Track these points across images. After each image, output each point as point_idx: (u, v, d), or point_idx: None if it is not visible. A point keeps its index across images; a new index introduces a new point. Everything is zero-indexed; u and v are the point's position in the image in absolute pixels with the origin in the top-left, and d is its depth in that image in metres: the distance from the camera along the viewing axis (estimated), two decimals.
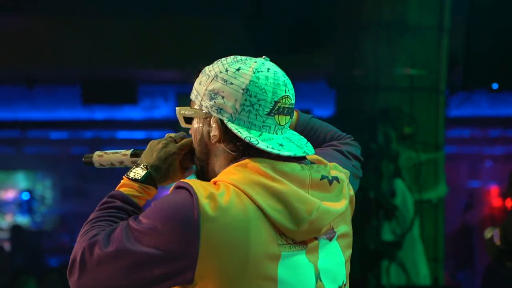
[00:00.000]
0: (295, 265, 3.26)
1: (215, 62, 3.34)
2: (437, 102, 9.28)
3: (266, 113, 3.26)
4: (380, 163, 8.36)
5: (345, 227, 3.43)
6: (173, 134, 3.55)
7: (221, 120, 3.24)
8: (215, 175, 3.31)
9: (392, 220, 8.35)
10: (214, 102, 3.27)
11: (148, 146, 3.52)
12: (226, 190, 3.14)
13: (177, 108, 3.42)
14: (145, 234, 3.11)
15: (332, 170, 3.34)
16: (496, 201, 19.93)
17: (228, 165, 3.27)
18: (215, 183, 3.23)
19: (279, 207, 3.18)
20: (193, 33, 12.61)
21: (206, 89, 3.29)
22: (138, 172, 3.41)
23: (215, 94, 3.27)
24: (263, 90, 3.26)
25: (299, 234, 3.21)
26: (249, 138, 3.21)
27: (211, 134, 3.25)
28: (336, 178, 3.32)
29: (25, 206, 23.02)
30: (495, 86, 10.43)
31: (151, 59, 13.28)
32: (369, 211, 8.26)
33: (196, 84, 3.35)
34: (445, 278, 9.52)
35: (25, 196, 23.07)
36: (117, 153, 3.67)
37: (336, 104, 9.50)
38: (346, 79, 9.37)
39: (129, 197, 3.37)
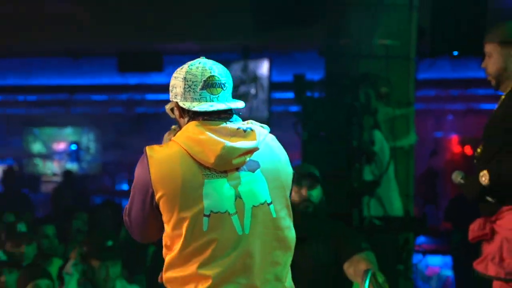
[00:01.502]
0: (217, 187, 4.23)
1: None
2: (408, 67, 9.27)
3: (199, 88, 4.29)
4: (362, 118, 8.34)
5: (271, 164, 4.38)
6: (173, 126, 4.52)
7: (176, 102, 4.31)
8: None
9: (372, 164, 8.33)
10: (172, 92, 4.32)
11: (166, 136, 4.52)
12: (171, 144, 4.29)
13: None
14: (132, 188, 4.31)
15: (248, 124, 4.33)
16: (456, 148, 19.99)
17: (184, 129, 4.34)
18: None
19: (200, 149, 4.19)
20: (206, 9, 12.57)
21: (170, 87, 4.35)
22: None
23: (172, 87, 4.33)
24: (194, 75, 4.29)
25: (216, 165, 4.19)
26: (187, 106, 4.24)
27: (175, 112, 4.34)
28: (250, 128, 4.27)
29: (74, 156, 23.13)
30: (455, 53, 10.43)
31: (173, 34, 13.29)
32: (353, 157, 8.26)
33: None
34: (414, 211, 9.48)
35: (73, 147, 23.15)
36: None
37: (326, 69, 9.47)
38: (334, 48, 9.33)
39: None
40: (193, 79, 4.26)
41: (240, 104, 4.38)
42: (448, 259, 13.85)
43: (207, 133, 4.19)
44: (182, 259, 4.18)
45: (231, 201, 4.27)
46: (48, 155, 23.53)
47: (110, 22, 13.12)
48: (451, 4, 9.85)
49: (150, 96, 18.24)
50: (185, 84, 4.25)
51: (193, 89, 4.26)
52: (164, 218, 4.19)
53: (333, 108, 8.53)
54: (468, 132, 20.04)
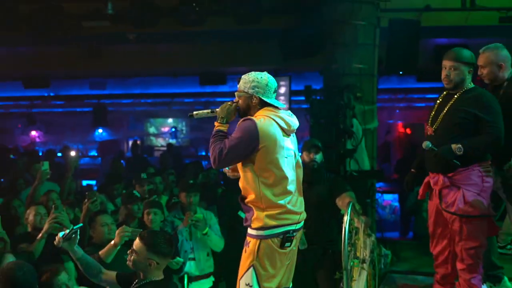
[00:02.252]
0: (288, 143, 4.69)
1: (248, 74, 4.65)
2: (373, 81, 9.23)
3: (272, 92, 4.67)
4: (345, 111, 8.36)
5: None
6: (230, 102, 4.71)
7: (259, 96, 4.61)
8: (252, 114, 4.61)
9: (351, 139, 8.36)
10: (256, 89, 4.60)
11: (221, 109, 4.67)
12: (263, 117, 4.55)
13: (236, 93, 4.70)
14: (237, 138, 4.47)
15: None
16: (401, 130, 19.81)
17: (258, 111, 4.62)
18: (257, 116, 4.57)
19: (282, 121, 4.62)
20: (251, 46, 12.62)
21: (250, 85, 4.61)
22: (222, 121, 4.63)
23: (255, 87, 4.61)
24: (272, 83, 4.67)
25: (288, 131, 4.68)
26: (269, 101, 4.62)
27: (253, 102, 4.63)
28: (292, 114, 4.77)
29: (173, 135, 22.89)
30: (400, 72, 10.47)
31: (232, 61, 13.36)
32: (340, 134, 8.30)
33: (242, 83, 4.64)
34: (376, 167, 9.44)
35: (173, 130, 23.00)
36: (204, 111, 4.81)
37: (324, 82, 9.46)
38: (328, 70, 9.32)
39: (224, 131, 4.63)
40: (272, 86, 4.66)
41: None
42: (396, 196, 13.90)
43: (281, 114, 4.65)
44: (275, 183, 4.59)
45: (291, 152, 4.72)
46: (158, 134, 23.36)
47: (194, 54, 13.21)
48: (397, 44, 9.86)
49: (218, 99, 18.16)
50: (267, 87, 4.62)
51: (270, 91, 4.65)
52: (260, 158, 4.51)
53: (328, 105, 8.55)
54: (407, 120, 19.97)
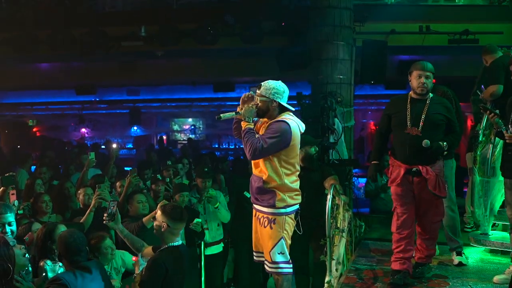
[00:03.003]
0: None
1: (267, 82, 4.56)
2: (350, 88, 9.15)
3: (287, 98, 4.63)
4: (329, 112, 8.30)
5: None
6: (251, 104, 4.53)
7: (277, 101, 4.54)
8: (272, 117, 4.57)
9: (334, 134, 8.31)
10: (276, 95, 4.54)
11: (245, 110, 4.50)
12: (290, 120, 4.51)
13: (258, 98, 4.54)
14: (276, 135, 4.44)
15: None
16: (372, 128, 19.81)
17: (278, 114, 4.57)
18: (283, 118, 4.52)
19: (299, 124, 4.62)
20: (252, 61, 12.57)
21: (271, 92, 4.52)
22: (249, 120, 4.51)
23: (275, 93, 4.54)
24: (287, 91, 4.63)
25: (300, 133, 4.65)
26: (288, 107, 4.60)
27: (273, 105, 4.55)
28: None
29: (192, 131, 22.92)
30: (372, 82, 10.42)
31: (239, 73, 13.23)
32: (325, 131, 8.23)
33: (263, 89, 4.53)
34: (353, 156, 9.36)
35: (192, 127, 23.01)
36: (230, 113, 4.61)
37: (312, 89, 9.37)
38: (315, 80, 9.23)
39: (253, 128, 4.56)
40: (287, 93, 4.60)
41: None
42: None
43: (296, 119, 4.63)
44: (293, 173, 4.63)
45: None
46: (180, 131, 23.36)
47: (209, 67, 13.17)
48: (369, 59, 9.82)
49: (228, 103, 18.11)
50: (284, 93, 4.57)
51: (286, 97, 4.60)
52: (287, 153, 4.51)
53: (315, 108, 8.49)
54: (378, 120, 19.98)
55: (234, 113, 4.57)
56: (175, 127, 23.44)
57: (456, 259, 5.96)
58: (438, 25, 10.39)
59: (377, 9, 10.52)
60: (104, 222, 4.78)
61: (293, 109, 4.67)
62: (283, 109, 4.60)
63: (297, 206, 4.73)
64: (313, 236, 6.70)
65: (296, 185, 4.70)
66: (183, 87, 16.05)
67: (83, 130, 21.95)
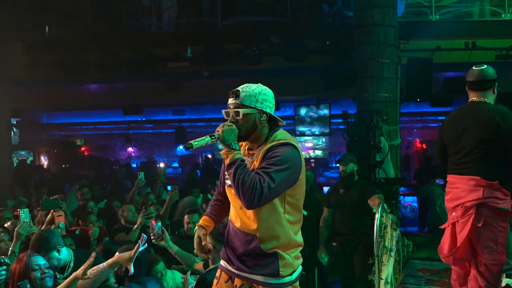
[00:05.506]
0: None
1: (247, 86, 3.31)
2: (396, 106, 9.08)
3: (274, 107, 3.37)
4: (375, 131, 8.24)
5: None
6: (228, 123, 3.24)
7: (268, 112, 3.27)
8: (261, 137, 3.30)
9: (380, 152, 8.26)
10: (264, 104, 3.26)
11: (224, 131, 3.18)
12: (295, 143, 3.26)
13: (240, 110, 3.22)
14: (286, 167, 3.11)
15: None
16: (418, 145, 19.62)
17: (269, 132, 3.31)
18: (281, 139, 3.24)
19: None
20: (297, 78, 12.60)
21: (257, 99, 3.24)
22: (236, 146, 3.20)
23: (264, 100, 3.26)
24: (274, 97, 3.37)
25: None
26: (278, 118, 3.36)
27: (262, 119, 3.25)
28: None
29: None
30: (418, 99, 10.32)
31: (282, 91, 13.24)
32: (371, 149, 8.18)
33: (246, 97, 3.24)
34: (399, 175, 9.26)
35: None
36: (203, 138, 3.23)
37: (357, 108, 9.32)
38: (360, 98, 9.20)
39: (243, 157, 3.20)
40: (274, 100, 3.40)
41: None
42: (415, 198, 13.63)
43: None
44: (298, 220, 3.34)
45: None
46: None
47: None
48: (414, 77, 9.73)
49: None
50: (273, 102, 3.37)
51: (274, 106, 3.40)
52: (294, 192, 3.25)
53: (361, 126, 8.45)
54: (423, 137, 19.74)
55: (209, 137, 3.26)
56: (220, 146, 23.36)
57: (505, 281, 5.81)
58: (484, 41, 10.24)
59: (422, 26, 10.46)
60: (152, 241, 4.81)
61: (284, 123, 3.45)
62: (272, 125, 3.38)
63: (301, 267, 3.45)
64: (356, 253, 6.72)
65: (301, 236, 3.45)
66: (226, 106, 16.05)
67: (130, 149, 22.23)
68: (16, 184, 11.26)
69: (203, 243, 3.46)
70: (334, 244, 7.08)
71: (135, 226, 6.09)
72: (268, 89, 3.36)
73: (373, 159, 8.14)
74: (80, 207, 7.83)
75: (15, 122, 13.49)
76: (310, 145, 20.84)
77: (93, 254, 3.77)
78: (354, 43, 9.36)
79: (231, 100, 3.31)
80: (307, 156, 20.78)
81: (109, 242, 5.41)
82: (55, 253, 4.43)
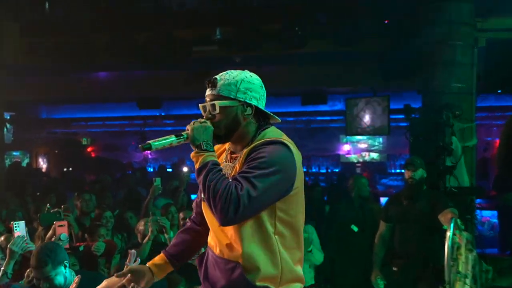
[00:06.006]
0: None
1: (227, 73, 3.17)
2: (471, 99, 9.02)
3: (264, 99, 3.22)
4: (444, 129, 8.20)
5: None
6: (202, 119, 3.12)
7: (254, 104, 3.11)
8: (245, 137, 3.15)
9: (451, 156, 8.20)
10: (247, 94, 3.10)
11: (193, 129, 3.05)
12: (288, 141, 3.06)
13: (216, 102, 3.09)
14: (272, 170, 2.89)
15: None
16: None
17: (257, 129, 3.16)
18: (272, 138, 3.08)
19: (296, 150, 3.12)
20: (352, 68, 12.58)
21: (238, 88, 3.09)
22: (208, 146, 3.03)
23: (247, 90, 3.10)
24: (263, 87, 3.21)
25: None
26: (268, 111, 3.22)
27: (246, 113, 3.11)
28: None
29: None
30: (499, 91, 10.21)
31: (334, 81, 13.26)
32: (440, 152, 8.14)
33: (224, 86, 3.09)
34: (475, 183, 9.17)
35: None
36: (166, 138, 3.15)
37: (422, 101, 9.29)
38: (426, 89, 9.17)
39: (217, 161, 3.03)
40: (264, 89, 3.26)
41: None
42: (494, 213, 13.46)
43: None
44: (295, 244, 3.16)
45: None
46: None
47: (296, 75, 13.29)
48: (495, 63, 9.63)
49: (319, 118, 18.07)
50: (262, 90, 3.23)
51: (263, 99, 3.24)
52: (287, 204, 3.05)
53: (427, 123, 8.42)
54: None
55: (174, 136, 3.16)
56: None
57: None
58: None
59: (505, 0, 10.33)
60: None
61: (279, 120, 3.35)
62: (262, 121, 3.24)
63: None
64: (422, 280, 6.67)
65: (301, 269, 3.28)
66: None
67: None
68: (9, 191, 11.31)
69: None
70: (394, 268, 7.02)
71: (145, 239, 6.18)
72: (254, 76, 3.24)
73: (442, 164, 8.10)
74: (80, 216, 7.94)
75: (8, 117, 13.62)
76: (364, 146, 20.81)
77: (76, 280, 3.79)
78: (419, 23, 9.31)
79: (208, 91, 3.19)
80: (360, 160, 20.77)
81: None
82: (63, 269, 4.49)
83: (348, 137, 19.33)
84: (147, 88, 14.21)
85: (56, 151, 21.14)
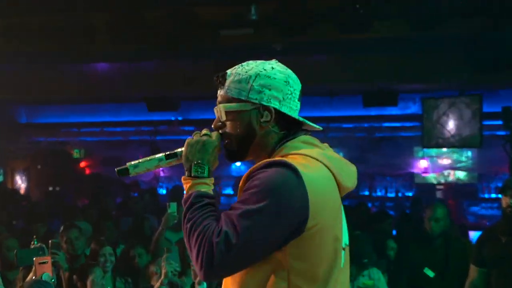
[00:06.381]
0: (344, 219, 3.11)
1: (242, 65, 3.11)
2: None
3: (297, 99, 3.14)
4: None
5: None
6: (205, 131, 3.13)
7: (273, 108, 3.02)
8: (260, 151, 3.10)
9: None
10: (264, 94, 3.01)
11: (188, 146, 3.09)
12: (306, 161, 2.91)
13: (221, 105, 3.09)
14: (263, 208, 2.74)
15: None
16: None
17: (278, 142, 3.07)
18: (285, 156, 2.96)
19: (341, 171, 3.06)
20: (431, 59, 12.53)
21: (251, 85, 3.01)
22: (199, 170, 3.03)
23: (263, 87, 3.00)
24: (295, 82, 3.12)
25: (347, 191, 3.12)
26: (297, 117, 3.10)
27: (263, 120, 3.01)
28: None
29: None
30: None
31: (405, 78, 13.24)
32: None
33: (234, 84, 3.06)
34: None
35: None
36: (150, 159, 3.17)
37: None
38: None
39: (208, 192, 2.99)
40: (295, 86, 3.14)
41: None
42: None
43: (330, 152, 3.19)
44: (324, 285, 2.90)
45: (346, 232, 3.19)
46: None
47: (355, 68, 13.27)
48: None
49: (386, 124, 18.03)
50: (287, 89, 3.09)
51: (294, 97, 3.12)
52: (297, 250, 2.83)
53: None
54: None
55: (162, 156, 3.22)
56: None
57: None
58: None
59: None
60: None
61: (319, 128, 3.28)
62: (290, 130, 3.15)
63: None
64: None
65: None
66: (313, 99, 16.15)
67: None
68: None
69: None
70: None
71: (157, 284, 6.23)
72: (278, 67, 3.15)
73: None
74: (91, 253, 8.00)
75: None
76: (447, 162, 20.64)
77: None
78: None
79: (218, 91, 3.20)
80: (442, 181, 20.61)
81: None
82: None
83: (425, 150, 19.20)
84: (160, 84, 14.27)
85: (39, 167, 21.31)
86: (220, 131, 3.15)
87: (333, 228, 2.95)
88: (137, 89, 14.68)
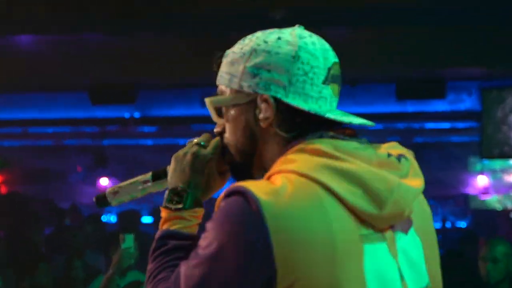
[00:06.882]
0: (380, 262, 2.70)
1: (243, 39, 2.97)
2: None
3: (321, 81, 2.83)
4: None
5: (423, 218, 2.93)
6: (196, 140, 3.09)
7: (273, 97, 2.79)
8: (268, 164, 2.84)
9: None
10: (260, 78, 2.81)
11: (173, 162, 3.07)
12: (287, 181, 2.60)
13: (207, 100, 2.96)
14: (210, 259, 2.60)
15: (393, 149, 2.90)
16: None
17: (284, 149, 2.78)
18: (269, 178, 2.70)
19: (355, 189, 2.63)
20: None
21: (244, 67, 2.84)
22: (175, 199, 2.96)
23: (258, 69, 2.81)
24: (315, 56, 2.83)
25: (382, 219, 2.69)
26: (314, 110, 2.78)
27: (261, 116, 2.80)
28: (403, 156, 2.85)
29: None
30: None
31: (457, 59, 13.43)
32: None
33: (226, 68, 2.93)
34: None
35: None
36: (133, 182, 3.19)
37: None
38: None
39: (180, 232, 2.93)
40: (313, 62, 2.81)
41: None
42: None
43: (356, 161, 2.69)
44: None
45: (398, 285, 2.74)
46: None
47: (385, 47, 13.44)
48: None
49: (430, 125, 18.24)
50: (298, 69, 2.80)
51: (313, 80, 2.81)
52: None
53: None
54: None
55: (149, 176, 3.25)
56: None
57: None
58: None
59: None
60: None
61: (368, 123, 2.98)
62: (305, 130, 2.82)
63: None
64: None
65: None
66: None
67: (104, 181, 22.47)
68: None
69: None
70: None
71: None
72: (285, 37, 2.89)
73: None
74: None
75: None
76: None
77: None
78: None
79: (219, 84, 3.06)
80: (509, 206, 20.67)
81: None
82: None
83: (485, 161, 19.30)
84: (109, 67, 14.36)
85: None
86: (223, 137, 3.04)
87: (339, 277, 2.58)
88: (77, 73, 14.69)
